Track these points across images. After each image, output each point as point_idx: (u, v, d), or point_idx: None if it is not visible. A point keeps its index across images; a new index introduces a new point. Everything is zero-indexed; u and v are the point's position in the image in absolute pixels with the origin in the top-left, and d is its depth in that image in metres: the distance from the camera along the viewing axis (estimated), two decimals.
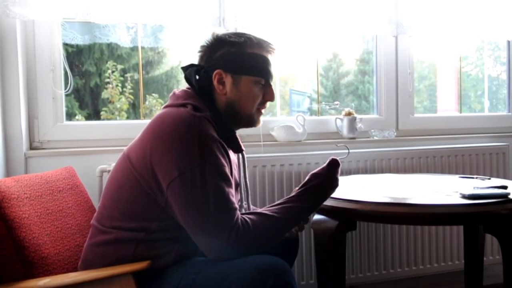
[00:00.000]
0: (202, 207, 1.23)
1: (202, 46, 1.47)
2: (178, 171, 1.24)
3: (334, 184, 1.43)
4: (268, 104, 1.52)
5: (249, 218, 1.28)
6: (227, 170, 1.32)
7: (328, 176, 1.42)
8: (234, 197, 1.32)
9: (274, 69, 1.48)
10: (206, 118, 1.33)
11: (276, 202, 1.38)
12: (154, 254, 1.33)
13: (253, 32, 1.51)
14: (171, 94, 1.47)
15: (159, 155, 1.27)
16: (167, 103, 1.44)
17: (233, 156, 1.51)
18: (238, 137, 1.49)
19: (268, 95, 1.48)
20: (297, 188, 1.43)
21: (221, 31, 1.48)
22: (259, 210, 1.36)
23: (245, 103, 1.44)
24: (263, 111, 1.51)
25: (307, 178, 1.44)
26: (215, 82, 1.42)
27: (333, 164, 1.44)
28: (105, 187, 1.44)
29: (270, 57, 1.46)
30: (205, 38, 1.48)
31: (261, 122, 1.52)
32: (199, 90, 1.43)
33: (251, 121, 1.48)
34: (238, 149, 1.48)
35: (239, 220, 1.25)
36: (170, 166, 1.25)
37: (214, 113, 1.40)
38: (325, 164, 1.44)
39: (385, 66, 2.64)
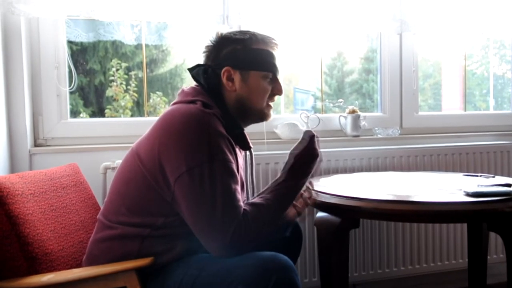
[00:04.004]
0: (209, 203, 1.23)
1: (207, 46, 1.49)
2: (187, 166, 1.24)
3: (313, 155, 1.46)
4: (276, 98, 1.54)
5: (247, 212, 1.28)
6: (234, 167, 1.33)
7: (306, 150, 1.45)
8: (240, 195, 1.33)
9: (280, 63, 1.50)
10: (215, 115, 1.34)
11: (264, 189, 1.41)
12: (158, 250, 1.33)
13: (257, 30, 1.52)
14: (179, 91, 1.49)
15: (168, 150, 1.28)
16: (176, 100, 1.45)
17: (239, 154, 1.51)
18: (246, 134, 1.50)
19: (276, 88, 1.51)
20: (281, 171, 1.45)
21: (224, 29, 1.50)
22: (252, 200, 1.36)
23: (255, 98, 1.46)
24: (272, 104, 1.53)
25: (287, 158, 1.46)
26: (224, 79, 1.44)
27: (308, 136, 1.46)
28: (112, 182, 1.44)
29: (275, 52, 1.49)
30: (209, 37, 1.50)
31: (272, 116, 1.54)
32: (208, 88, 1.44)
33: (263, 115, 1.51)
34: (246, 146, 1.51)
35: (243, 217, 1.26)
36: (178, 161, 1.25)
37: (222, 110, 1.41)
38: (300, 139, 1.47)
39: (389, 64, 2.63)
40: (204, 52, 1.50)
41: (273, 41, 1.49)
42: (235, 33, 1.47)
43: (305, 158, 1.44)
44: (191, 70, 1.51)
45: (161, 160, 1.29)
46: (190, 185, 1.24)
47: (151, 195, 1.32)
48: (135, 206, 1.35)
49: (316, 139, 1.47)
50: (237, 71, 1.44)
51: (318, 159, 1.47)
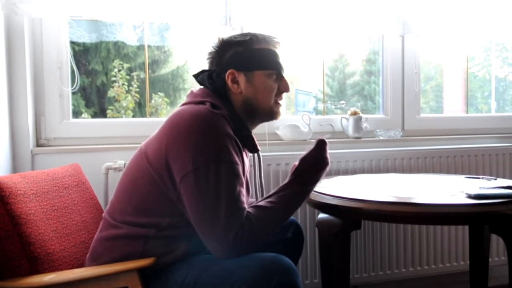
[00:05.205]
0: (213, 204, 1.23)
1: (210, 52, 1.51)
2: (193, 166, 1.25)
3: (324, 164, 1.44)
4: (284, 95, 1.54)
5: (251, 214, 1.28)
6: (240, 169, 1.33)
7: (317, 157, 1.44)
8: (244, 197, 1.33)
9: (283, 61, 1.50)
10: (223, 116, 1.35)
11: (271, 192, 1.39)
12: (162, 251, 1.33)
13: (259, 31, 1.53)
14: (188, 93, 1.50)
15: (175, 149, 1.28)
16: (185, 101, 1.46)
17: (245, 157, 1.51)
18: (254, 137, 1.50)
19: (282, 86, 1.50)
20: (289, 174, 1.44)
21: (226, 33, 1.51)
22: (257, 203, 1.36)
23: (262, 97, 1.46)
24: (280, 102, 1.53)
25: (297, 163, 1.44)
26: (229, 82, 1.44)
27: (320, 144, 1.45)
28: (120, 180, 1.45)
29: (277, 51, 1.49)
30: (211, 42, 1.51)
31: (281, 114, 1.54)
32: (214, 92, 1.45)
33: (272, 114, 1.51)
34: (254, 149, 1.51)
35: (246, 219, 1.26)
36: (185, 160, 1.26)
37: (231, 112, 1.41)
38: (312, 146, 1.46)
39: (391, 66, 2.63)
40: (207, 58, 1.52)
41: (275, 39, 1.50)
42: (235, 36, 1.48)
43: (315, 165, 1.43)
44: (196, 76, 1.52)
45: (168, 159, 1.29)
46: (195, 184, 1.25)
47: (158, 195, 1.32)
48: (142, 205, 1.35)
49: (327, 147, 1.47)
50: (241, 72, 1.44)
51: (328, 168, 1.47)
